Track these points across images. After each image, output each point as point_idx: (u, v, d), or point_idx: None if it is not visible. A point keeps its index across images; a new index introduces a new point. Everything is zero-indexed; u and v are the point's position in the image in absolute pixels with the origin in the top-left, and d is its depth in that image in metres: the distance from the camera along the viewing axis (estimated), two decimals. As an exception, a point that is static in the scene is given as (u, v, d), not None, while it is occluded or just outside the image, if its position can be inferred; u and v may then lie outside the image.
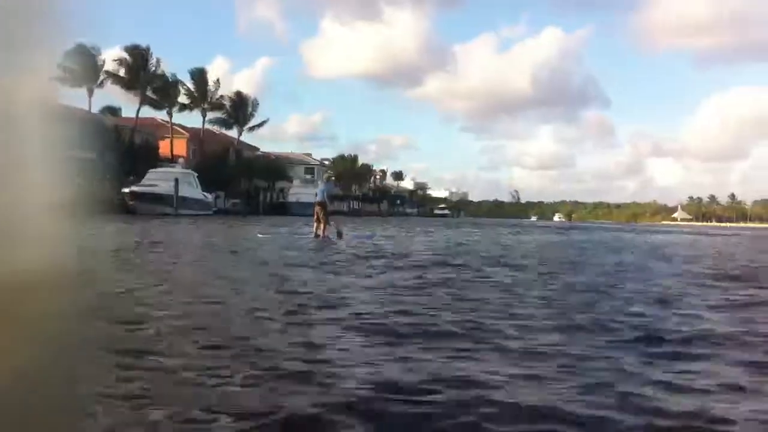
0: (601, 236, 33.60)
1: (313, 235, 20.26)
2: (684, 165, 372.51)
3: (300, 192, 79.07)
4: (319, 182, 22.24)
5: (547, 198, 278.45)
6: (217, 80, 74.62)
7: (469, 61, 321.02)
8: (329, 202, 20.69)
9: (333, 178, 22.57)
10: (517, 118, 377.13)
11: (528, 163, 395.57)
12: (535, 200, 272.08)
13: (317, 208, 20.75)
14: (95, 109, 63.96)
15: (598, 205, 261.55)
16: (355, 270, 9.87)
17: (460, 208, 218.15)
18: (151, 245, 14.91)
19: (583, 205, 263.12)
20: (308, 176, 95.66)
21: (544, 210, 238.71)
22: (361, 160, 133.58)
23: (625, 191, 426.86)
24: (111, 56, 62.98)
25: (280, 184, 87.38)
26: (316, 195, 21.03)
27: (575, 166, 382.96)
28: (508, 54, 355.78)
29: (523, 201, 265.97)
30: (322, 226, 20.36)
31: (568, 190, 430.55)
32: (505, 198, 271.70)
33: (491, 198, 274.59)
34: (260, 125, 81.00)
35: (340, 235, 20.30)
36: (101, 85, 60.80)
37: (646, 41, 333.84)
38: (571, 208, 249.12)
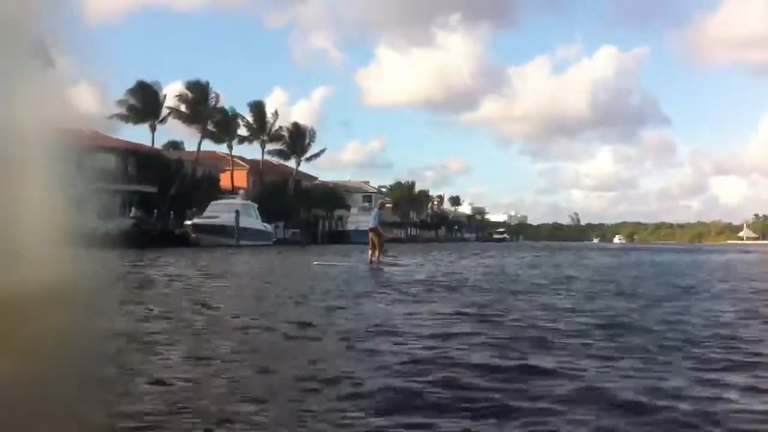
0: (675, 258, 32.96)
1: (368, 262, 20.35)
2: (749, 182, 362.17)
3: (358, 220, 79.49)
4: (373, 209, 22.45)
5: (608, 220, 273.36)
6: (275, 112, 75.89)
7: (524, 83, 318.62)
8: (382, 229, 20.87)
9: (387, 204, 22.80)
10: (575, 140, 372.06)
11: (587, 185, 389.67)
12: (596, 222, 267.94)
13: (371, 235, 20.94)
14: (158, 144, 65.64)
15: (660, 226, 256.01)
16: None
17: (519, 231, 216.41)
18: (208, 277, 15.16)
19: (645, 226, 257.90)
20: (366, 204, 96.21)
21: (605, 232, 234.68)
22: (418, 186, 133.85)
23: (688, 211, 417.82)
24: (172, 92, 64.64)
25: (338, 213, 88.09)
26: (370, 222, 21.25)
27: (636, 186, 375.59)
28: (564, 75, 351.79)
29: (583, 223, 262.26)
30: (376, 252, 20.50)
31: (629, 212, 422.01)
32: (565, 221, 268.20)
33: (550, 221, 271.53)
34: (318, 155, 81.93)
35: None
36: (163, 120, 62.31)
37: (703, 56, 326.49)
38: (633, 230, 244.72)
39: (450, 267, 21.56)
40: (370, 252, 20.75)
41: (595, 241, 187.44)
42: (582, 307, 9.06)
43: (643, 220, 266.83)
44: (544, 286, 13.02)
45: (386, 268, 19.35)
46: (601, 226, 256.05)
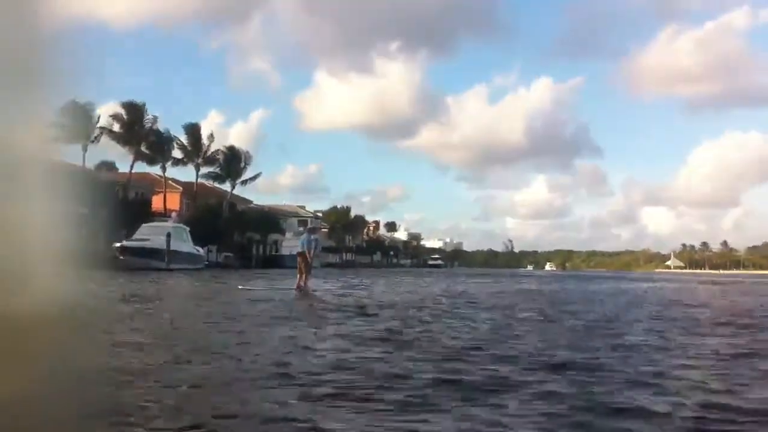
0: (602, 286, 33.98)
1: (295, 287, 20.62)
2: (677, 212, 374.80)
3: (293, 245, 79.31)
4: (303, 233, 22.68)
5: (542, 247, 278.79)
6: (211, 134, 75.46)
7: (462, 111, 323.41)
8: (311, 253, 21.15)
9: (323, 229, 23.20)
10: (511, 168, 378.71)
11: (522, 213, 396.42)
12: (530, 249, 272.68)
13: (299, 259, 21.27)
14: (89, 164, 64.66)
15: (591, 254, 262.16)
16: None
17: (455, 258, 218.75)
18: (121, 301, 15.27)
19: (578, 254, 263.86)
20: (301, 228, 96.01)
21: (538, 259, 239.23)
22: (355, 212, 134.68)
23: (619, 240, 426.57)
24: (106, 111, 63.93)
25: (273, 237, 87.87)
26: (298, 246, 21.57)
27: (569, 215, 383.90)
28: (501, 104, 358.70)
29: (516, 250, 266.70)
30: (303, 276, 20.82)
31: (563, 239, 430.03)
32: (500, 248, 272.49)
33: (486, 248, 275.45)
34: (254, 179, 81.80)
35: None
36: (96, 140, 61.47)
37: (637, 89, 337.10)
38: (566, 257, 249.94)
39: (370, 292, 21.86)
40: (298, 276, 21.04)
41: (529, 268, 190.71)
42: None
43: (575, 248, 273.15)
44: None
45: (313, 293, 19.78)
46: (534, 253, 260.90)
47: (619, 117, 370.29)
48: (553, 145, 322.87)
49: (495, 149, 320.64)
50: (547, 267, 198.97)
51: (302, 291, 19.95)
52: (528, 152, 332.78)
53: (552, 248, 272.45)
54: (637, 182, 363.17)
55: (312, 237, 21.51)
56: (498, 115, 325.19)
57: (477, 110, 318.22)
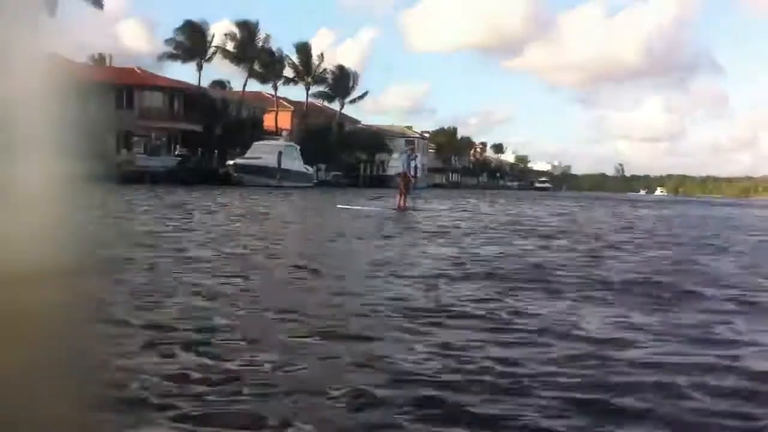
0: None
1: (396, 207, 20.96)
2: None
3: (398, 164, 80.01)
4: (403, 154, 22.88)
5: (654, 171, 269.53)
6: (321, 54, 76.20)
7: (573, 29, 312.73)
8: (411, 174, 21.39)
9: (414, 147, 23.47)
10: (624, 89, 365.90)
11: (635, 135, 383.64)
12: (641, 174, 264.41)
13: (398, 179, 21.54)
14: (204, 83, 66.64)
15: (706, 179, 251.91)
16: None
17: (563, 181, 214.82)
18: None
19: (691, 179, 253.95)
20: (406, 148, 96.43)
21: (650, 184, 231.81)
22: (461, 133, 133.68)
23: (738, 165, 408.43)
24: (220, 30, 65.39)
25: (380, 157, 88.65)
26: (399, 167, 21.82)
27: (684, 138, 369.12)
28: (616, 21, 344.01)
29: (628, 174, 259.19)
30: (403, 197, 21.09)
31: (677, 164, 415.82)
32: (610, 171, 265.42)
33: (596, 172, 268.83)
34: (361, 98, 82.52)
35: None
36: (210, 59, 63.14)
37: (764, 4, 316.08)
38: (679, 182, 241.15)
39: (473, 214, 21.94)
40: (398, 197, 21.33)
41: (642, 192, 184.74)
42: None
43: (690, 173, 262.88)
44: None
45: (413, 213, 20.04)
46: (646, 177, 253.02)
47: (744, 35, 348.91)
48: (671, 64, 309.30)
49: (608, 69, 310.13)
50: (658, 192, 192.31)
51: (402, 210, 20.21)
52: (643, 72, 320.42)
53: (665, 173, 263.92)
54: (760, 104, 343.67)
55: (411, 157, 21.73)
56: (612, 32, 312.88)
57: (590, 27, 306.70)
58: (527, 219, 20.01)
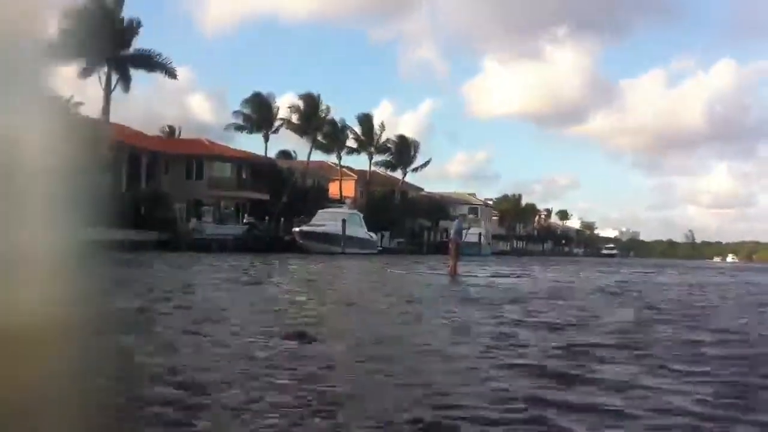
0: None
1: (448, 272, 20.99)
2: None
3: (452, 232, 79.93)
4: (455, 221, 23.22)
5: (725, 238, 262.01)
6: (382, 124, 77.61)
7: (636, 96, 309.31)
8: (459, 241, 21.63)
9: (464, 216, 24.11)
10: (690, 154, 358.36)
11: (703, 201, 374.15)
12: (712, 240, 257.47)
13: (450, 246, 21.74)
14: (271, 153, 68.39)
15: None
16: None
17: (631, 248, 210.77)
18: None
19: (765, 245, 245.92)
20: (472, 216, 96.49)
21: (721, 251, 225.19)
22: (525, 200, 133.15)
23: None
24: (284, 103, 67.34)
25: (444, 224, 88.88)
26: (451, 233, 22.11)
27: (755, 204, 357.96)
28: (679, 88, 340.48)
29: (698, 241, 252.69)
30: (454, 262, 21.19)
31: (749, 230, 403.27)
32: (679, 238, 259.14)
33: (663, 238, 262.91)
34: (423, 166, 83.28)
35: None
36: (276, 131, 64.87)
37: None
38: (751, 249, 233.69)
39: (520, 280, 21.20)
40: (451, 262, 21.43)
41: (716, 260, 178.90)
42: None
43: (762, 239, 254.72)
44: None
45: (460, 279, 19.66)
46: (718, 244, 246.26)
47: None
48: (736, 131, 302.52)
49: (673, 135, 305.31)
50: (729, 259, 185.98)
51: (453, 276, 20.21)
52: (708, 138, 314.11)
53: (736, 239, 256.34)
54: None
55: (461, 225, 22.21)
56: (676, 99, 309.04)
57: (653, 95, 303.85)
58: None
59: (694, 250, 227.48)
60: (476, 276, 21.94)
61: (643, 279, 24.90)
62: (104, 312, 7.41)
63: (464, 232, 22.23)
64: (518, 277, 23.19)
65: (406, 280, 18.46)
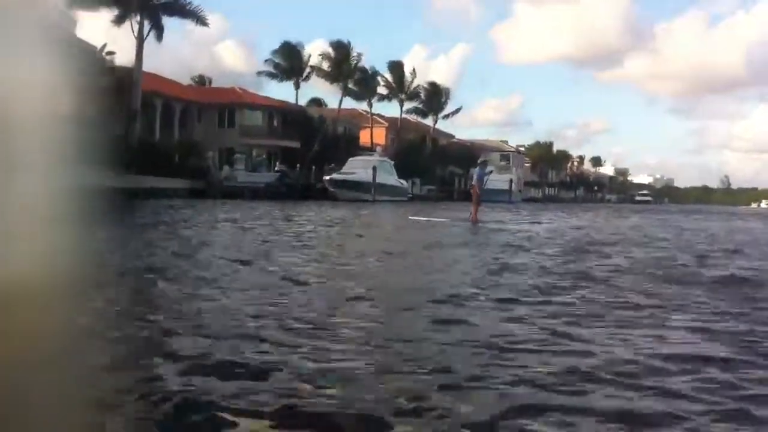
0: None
1: (470, 220, 20.81)
2: None
3: (494, 179, 79.78)
4: (476, 168, 22.84)
5: (762, 184, 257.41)
6: (413, 70, 77.16)
7: (673, 39, 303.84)
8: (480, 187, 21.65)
9: (485, 162, 23.61)
10: (728, 98, 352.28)
11: (740, 146, 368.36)
12: (748, 186, 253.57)
13: (472, 192, 21.77)
14: (302, 102, 68.62)
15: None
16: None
17: (665, 194, 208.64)
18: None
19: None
20: (503, 163, 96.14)
21: (758, 197, 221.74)
22: (558, 146, 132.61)
23: None
24: (314, 50, 67.29)
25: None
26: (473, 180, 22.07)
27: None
28: (718, 30, 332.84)
29: (734, 187, 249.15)
30: (474, 209, 21.26)
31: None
32: (714, 184, 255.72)
33: (698, 184, 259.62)
34: (455, 113, 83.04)
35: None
36: (307, 78, 64.96)
37: None
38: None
39: (548, 227, 21.11)
40: (472, 209, 21.48)
41: (754, 205, 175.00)
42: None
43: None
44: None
45: (483, 225, 19.55)
46: (753, 190, 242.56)
47: None
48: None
49: (710, 79, 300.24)
50: (764, 204, 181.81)
51: (474, 223, 20.16)
52: (747, 80, 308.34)
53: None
54: None
55: (483, 171, 21.99)
56: (714, 42, 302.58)
57: (690, 38, 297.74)
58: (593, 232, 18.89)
59: (729, 196, 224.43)
60: (499, 222, 22.28)
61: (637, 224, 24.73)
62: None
63: (486, 178, 22.09)
64: (535, 223, 23.06)
65: (422, 227, 18.70)
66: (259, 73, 65.32)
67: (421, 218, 22.60)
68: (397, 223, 21.97)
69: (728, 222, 31.65)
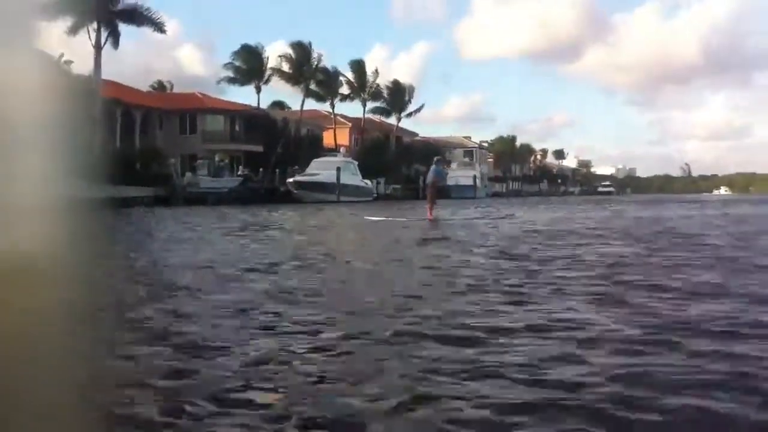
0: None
1: (427, 218, 21.14)
2: None
3: (458, 175, 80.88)
4: (432, 166, 23.24)
5: (722, 171, 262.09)
6: (375, 70, 77.56)
7: (631, 31, 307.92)
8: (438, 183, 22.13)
9: (440, 160, 24.15)
10: (686, 88, 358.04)
11: (699, 135, 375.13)
12: (709, 173, 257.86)
13: (428, 190, 22.12)
14: (264, 104, 68.50)
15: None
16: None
17: (627, 185, 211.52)
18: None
19: (762, 176, 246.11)
20: (467, 159, 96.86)
21: (718, 184, 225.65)
22: (521, 140, 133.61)
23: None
24: (274, 52, 67.13)
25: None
26: (429, 178, 22.48)
27: (751, 135, 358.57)
28: (674, 21, 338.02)
29: (695, 174, 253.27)
30: (430, 206, 21.63)
31: (744, 162, 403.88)
32: (676, 173, 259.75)
33: (660, 173, 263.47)
34: (418, 111, 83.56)
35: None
36: (267, 81, 64.87)
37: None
38: (748, 181, 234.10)
39: (497, 221, 21.35)
40: (428, 207, 21.84)
41: (715, 192, 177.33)
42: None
43: (760, 171, 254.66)
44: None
45: (438, 222, 20.07)
46: (714, 177, 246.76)
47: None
48: (732, 62, 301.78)
49: (667, 69, 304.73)
50: (722, 191, 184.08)
51: (432, 221, 20.35)
52: (704, 70, 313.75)
53: (733, 171, 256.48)
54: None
55: (438, 168, 22.40)
56: (669, 32, 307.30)
57: (648, 29, 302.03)
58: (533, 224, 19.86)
59: (691, 184, 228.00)
60: (452, 218, 22.66)
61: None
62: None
63: (445, 174, 22.53)
64: (481, 218, 23.23)
65: (377, 227, 18.91)
66: (219, 80, 65.18)
67: (376, 218, 22.76)
68: (352, 223, 22.17)
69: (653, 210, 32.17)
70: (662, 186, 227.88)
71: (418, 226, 18.44)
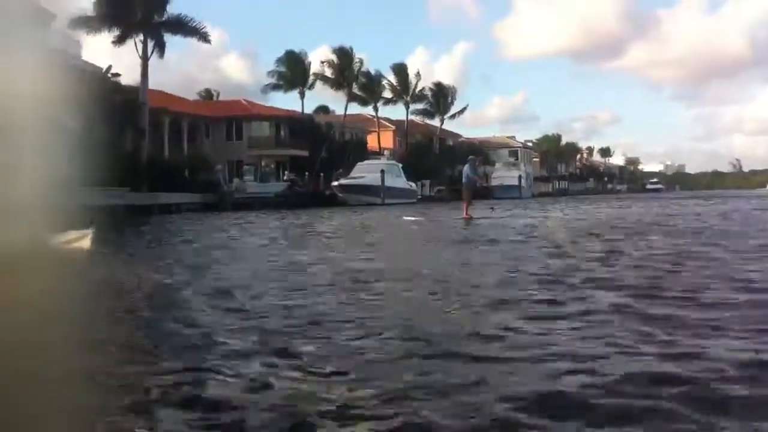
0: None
1: (464, 217, 21.13)
2: None
3: (503, 175, 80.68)
4: (465, 166, 23.21)
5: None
6: (418, 72, 77.84)
7: (674, 25, 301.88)
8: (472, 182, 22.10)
9: (474, 159, 24.29)
10: (733, 82, 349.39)
11: (749, 129, 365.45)
12: (760, 168, 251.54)
13: (463, 190, 22.12)
14: (308, 110, 69.23)
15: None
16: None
17: (676, 181, 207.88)
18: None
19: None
20: (512, 159, 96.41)
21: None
22: (566, 138, 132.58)
23: None
24: (316, 58, 67.86)
25: (482, 169, 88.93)
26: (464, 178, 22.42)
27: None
28: (719, 14, 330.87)
29: (746, 170, 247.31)
30: (466, 206, 21.60)
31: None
32: (725, 168, 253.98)
33: (709, 169, 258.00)
34: (461, 112, 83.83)
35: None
36: (311, 86, 65.63)
37: None
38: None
39: (537, 220, 21.38)
40: (464, 206, 21.83)
41: None
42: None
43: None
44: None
45: (475, 221, 20.13)
46: (766, 172, 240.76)
47: None
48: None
49: (714, 63, 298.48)
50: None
51: (468, 221, 20.31)
52: (752, 62, 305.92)
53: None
54: None
55: (471, 168, 22.37)
56: (716, 26, 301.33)
57: (691, 23, 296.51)
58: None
59: (742, 180, 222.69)
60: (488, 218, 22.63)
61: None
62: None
63: (480, 172, 22.57)
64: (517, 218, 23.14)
65: (411, 226, 19.20)
66: (265, 86, 65.98)
67: (413, 218, 23.04)
68: (390, 223, 22.41)
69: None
70: (711, 182, 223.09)
71: (458, 225, 18.75)
